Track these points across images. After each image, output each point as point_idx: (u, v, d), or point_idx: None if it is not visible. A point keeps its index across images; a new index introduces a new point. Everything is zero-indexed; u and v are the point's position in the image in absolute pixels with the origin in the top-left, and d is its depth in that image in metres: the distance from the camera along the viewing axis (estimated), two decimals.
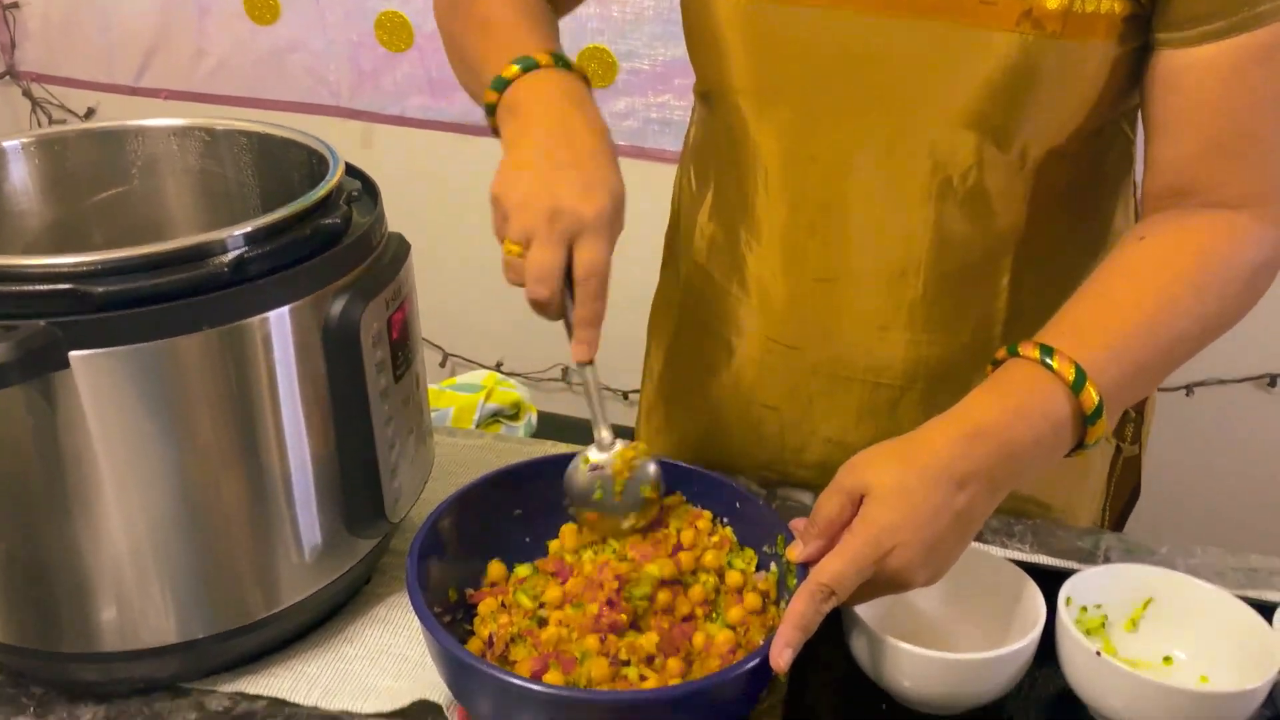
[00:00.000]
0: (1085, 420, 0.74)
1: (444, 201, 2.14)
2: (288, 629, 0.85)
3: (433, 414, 1.39)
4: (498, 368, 2.19)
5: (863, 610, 0.79)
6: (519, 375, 2.27)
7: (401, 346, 0.84)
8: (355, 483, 0.82)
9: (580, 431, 0.87)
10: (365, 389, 0.80)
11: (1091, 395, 0.73)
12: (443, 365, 2.37)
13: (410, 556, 0.77)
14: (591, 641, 0.75)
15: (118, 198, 0.96)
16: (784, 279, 0.97)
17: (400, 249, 0.85)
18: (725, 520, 0.87)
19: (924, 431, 0.74)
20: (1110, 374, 0.74)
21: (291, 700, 0.82)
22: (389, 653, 0.86)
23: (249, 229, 0.73)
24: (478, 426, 1.84)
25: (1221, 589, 0.82)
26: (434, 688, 0.81)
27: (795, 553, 0.77)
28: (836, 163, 0.91)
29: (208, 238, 0.72)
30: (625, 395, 2.37)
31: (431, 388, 1.85)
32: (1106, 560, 0.98)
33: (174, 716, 0.81)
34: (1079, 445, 0.76)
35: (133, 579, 0.76)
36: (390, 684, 0.83)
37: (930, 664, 0.76)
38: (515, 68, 0.85)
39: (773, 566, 0.84)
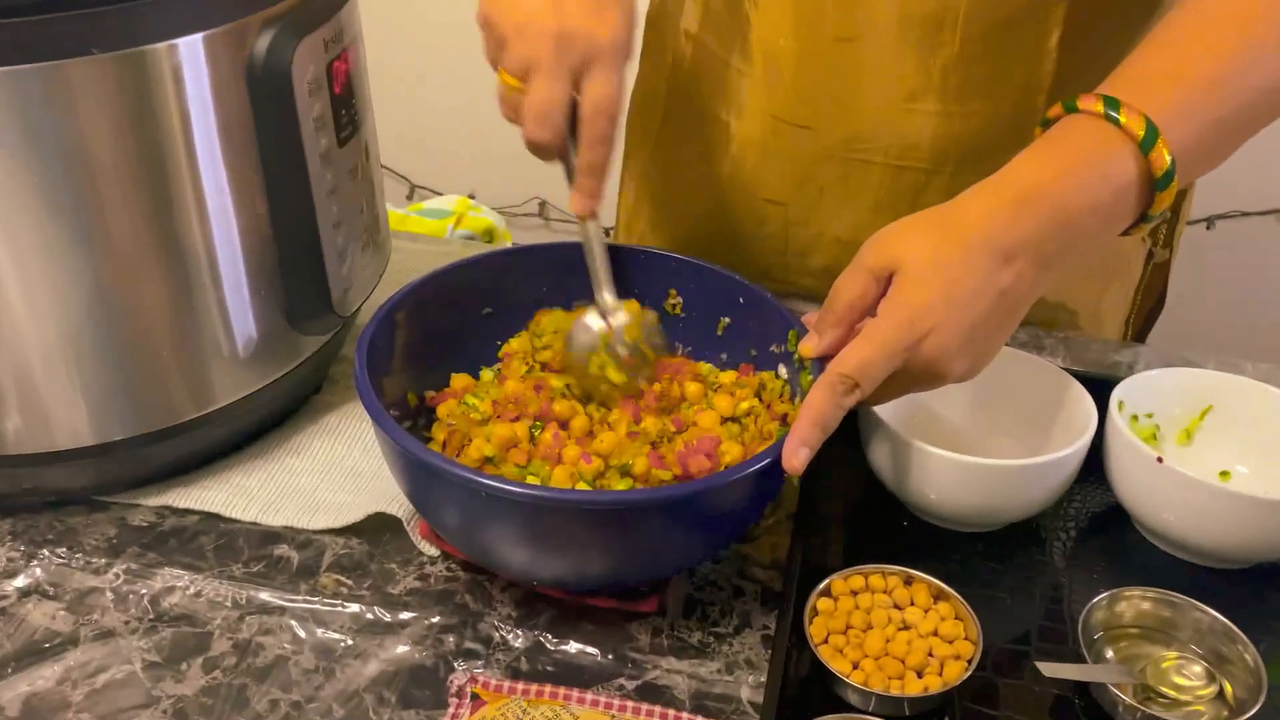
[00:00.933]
0: (1153, 185, 0.62)
1: (409, 13, 1.96)
2: (222, 436, 0.74)
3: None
4: (470, 199, 2.04)
5: (884, 414, 0.69)
6: (492, 209, 2.13)
7: (346, 104, 0.70)
8: (295, 265, 0.70)
9: None
10: (301, 149, 0.67)
11: (1163, 155, 0.61)
12: (409, 198, 2.22)
13: (360, 346, 0.65)
14: (515, 455, 0.66)
15: None
16: (795, 40, 0.83)
17: None
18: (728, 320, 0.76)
19: (963, 199, 0.63)
20: (1184, 131, 0.62)
21: (227, 515, 0.71)
22: (340, 466, 0.76)
23: None
24: None
25: None
26: (392, 501, 0.71)
27: (810, 346, 0.65)
28: None
29: None
30: (607, 233, 2.24)
31: (395, 212, 1.72)
32: None
33: (91, 532, 0.70)
34: (1140, 218, 0.65)
35: (38, 369, 0.64)
36: (342, 498, 0.73)
37: (963, 471, 0.66)
38: None
39: (781, 370, 0.73)
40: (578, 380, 0.72)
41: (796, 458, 0.59)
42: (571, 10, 0.65)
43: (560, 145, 0.68)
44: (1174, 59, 0.65)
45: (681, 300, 0.78)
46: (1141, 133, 0.61)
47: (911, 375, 0.62)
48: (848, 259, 0.65)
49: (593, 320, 0.72)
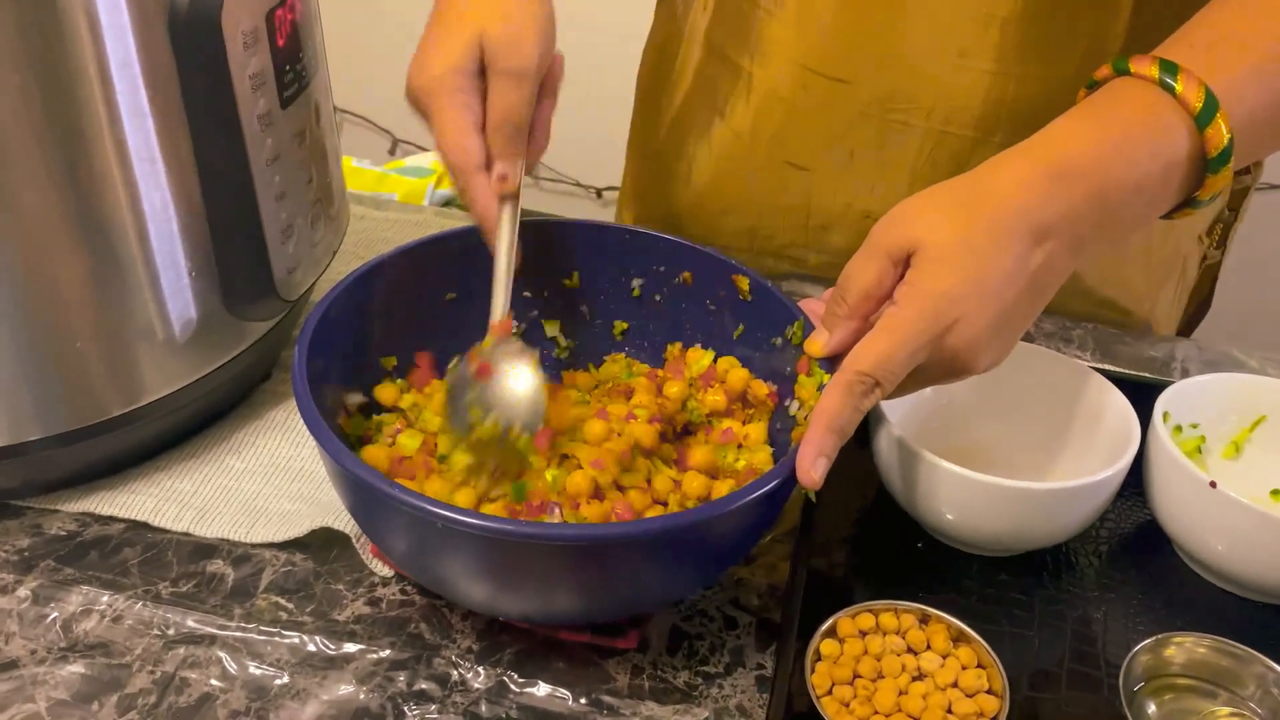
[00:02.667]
0: (1206, 165, 0.54)
1: None
2: (153, 433, 0.66)
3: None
4: None
5: (894, 418, 0.61)
6: None
7: (291, 58, 0.61)
8: (231, 243, 0.62)
9: None
10: (236, 111, 0.58)
11: (1221, 132, 0.53)
12: (391, 152, 2.12)
13: (300, 343, 0.57)
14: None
15: None
16: None
17: None
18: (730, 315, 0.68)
19: (991, 168, 0.55)
20: (1248, 104, 0.54)
21: (155, 524, 0.63)
22: (287, 468, 0.68)
23: None
24: None
25: None
26: (341, 513, 0.63)
27: (819, 343, 0.57)
28: None
29: None
30: (599, 193, 2.14)
31: (374, 171, 1.63)
32: (1185, 374, 0.80)
33: (1, 542, 0.62)
34: (1186, 202, 0.57)
35: None
36: (286, 507, 0.65)
37: (985, 493, 0.58)
38: None
39: (787, 370, 0.65)
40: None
41: (815, 470, 0.51)
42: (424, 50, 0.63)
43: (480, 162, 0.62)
44: (1244, 22, 0.57)
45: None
46: (1199, 105, 0.53)
47: (935, 369, 0.54)
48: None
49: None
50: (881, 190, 0.80)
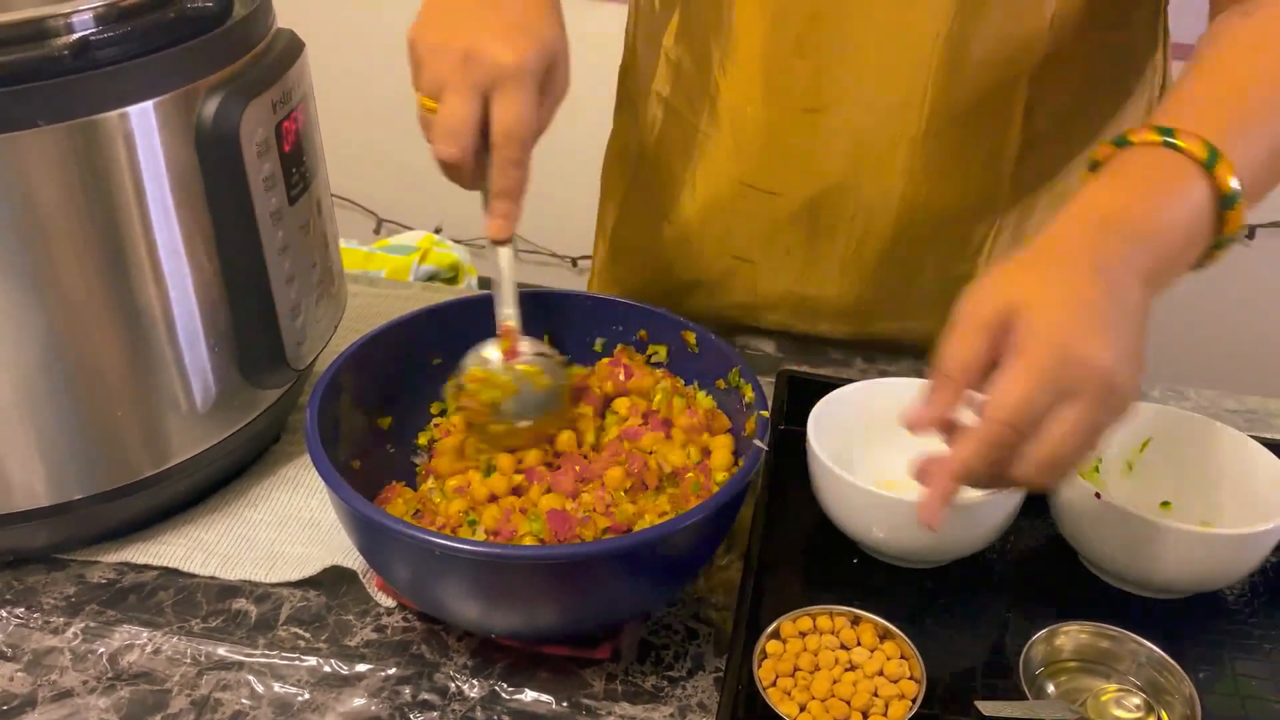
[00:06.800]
0: (1220, 203, 0.61)
1: (372, 49, 1.97)
2: (180, 491, 0.75)
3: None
4: (437, 233, 2.05)
5: (825, 453, 0.70)
6: (460, 242, 2.14)
7: (296, 162, 0.72)
8: (248, 322, 0.71)
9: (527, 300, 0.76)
10: (252, 209, 0.68)
11: (1227, 172, 0.60)
12: (376, 231, 2.23)
13: (310, 406, 0.66)
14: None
15: None
16: (764, 108, 0.84)
17: (291, 45, 0.72)
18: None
19: (1050, 233, 0.60)
20: (1243, 152, 0.61)
21: (185, 570, 0.72)
22: (298, 517, 0.76)
23: (99, 5, 0.60)
24: None
25: (1228, 427, 0.74)
26: (348, 554, 0.72)
27: (911, 417, 0.58)
28: None
29: (46, 12, 0.59)
30: (574, 262, 2.25)
31: (361, 250, 1.73)
32: None
33: (50, 591, 0.71)
34: (1216, 244, 0.62)
35: None
36: (299, 550, 0.73)
37: (906, 512, 0.67)
38: None
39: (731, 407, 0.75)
40: (476, 428, 0.72)
41: (937, 519, 0.55)
42: (481, 34, 0.66)
43: (470, 165, 0.67)
44: (1221, 86, 0.66)
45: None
46: (1204, 155, 0.60)
47: (1085, 400, 0.54)
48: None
49: (488, 350, 0.73)
50: (817, 279, 0.91)
